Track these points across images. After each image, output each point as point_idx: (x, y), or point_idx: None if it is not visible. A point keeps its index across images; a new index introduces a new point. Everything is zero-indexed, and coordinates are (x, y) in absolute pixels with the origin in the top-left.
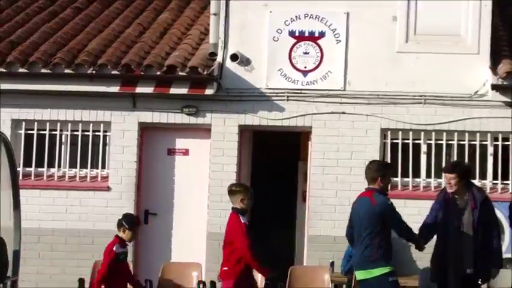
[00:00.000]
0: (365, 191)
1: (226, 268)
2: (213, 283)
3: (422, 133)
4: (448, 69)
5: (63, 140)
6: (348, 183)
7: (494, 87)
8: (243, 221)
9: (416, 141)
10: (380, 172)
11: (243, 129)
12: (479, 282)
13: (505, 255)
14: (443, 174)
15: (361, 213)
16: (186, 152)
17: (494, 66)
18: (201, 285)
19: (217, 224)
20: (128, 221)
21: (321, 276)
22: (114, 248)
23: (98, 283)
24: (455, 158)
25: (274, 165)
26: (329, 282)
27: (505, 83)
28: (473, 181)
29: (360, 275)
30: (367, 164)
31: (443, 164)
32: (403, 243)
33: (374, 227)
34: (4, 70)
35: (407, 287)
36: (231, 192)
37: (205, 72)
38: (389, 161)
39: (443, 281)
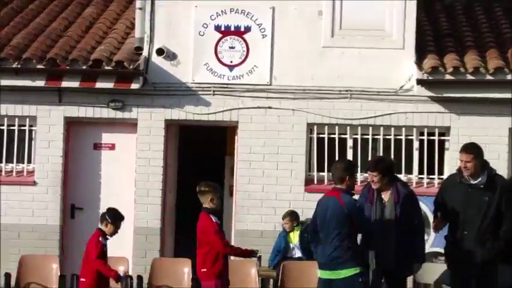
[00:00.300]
0: (331, 190)
1: (204, 270)
2: (139, 277)
3: (348, 128)
4: (373, 64)
5: None
6: (274, 178)
7: (420, 82)
8: (214, 220)
9: (343, 136)
10: (348, 171)
11: (169, 124)
12: (402, 278)
13: (431, 249)
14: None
15: (329, 214)
16: (112, 147)
17: (419, 61)
18: (128, 280)
19: (144, 218)
20: (111, 215)
21: (248, 270)
22: (101, 239)
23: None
24: (381, 153)
25: (201, 160)
26: (256, 276)
27: (430, 77)
28: (399, 176)
29: (325, 274)
30: (334, 164)
31: (370, 158)
32: None
33: (342, 228)
34: None
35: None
36: (201, 192)
37: (131, 67)
38: (315, 156)
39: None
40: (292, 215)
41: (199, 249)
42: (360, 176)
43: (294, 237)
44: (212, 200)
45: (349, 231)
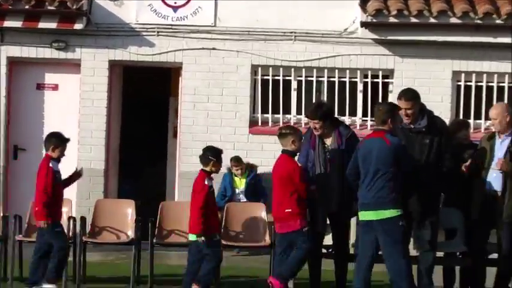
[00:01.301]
0: (374, 132)
1: (289, 210)
2: (83, 218)
3: (293, 70)
4: (317, 6)
5: None
6: (218, 119)
7: (364, 24)
8: (299, 164)
9: (287, 78)
10: (390, 113)
11: (113, 65)
12: (345, 220)
13: None
14: None
15: (375, 154)
16: (55, 87)
17: (363, 4)
18: (71, 221)
19: (88, 159)
20: (213, 154)
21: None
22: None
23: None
24: (325, 95)
25: (145, 101)
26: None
27: (374, 20)
28: (342, 118)
29: (368, 215)
30: (376, 106)
31: (314, 100)
32: None
33: (389, 167)
34: None
35: None
36: (282, 135)
37: (74, 7)
38: (260, 98)
39: (312, 220)
40: (239, 161)
41: (279, 190)
42: (305, 119)
43: (240, 183)
44: (294, 142)
45: (394, 171)
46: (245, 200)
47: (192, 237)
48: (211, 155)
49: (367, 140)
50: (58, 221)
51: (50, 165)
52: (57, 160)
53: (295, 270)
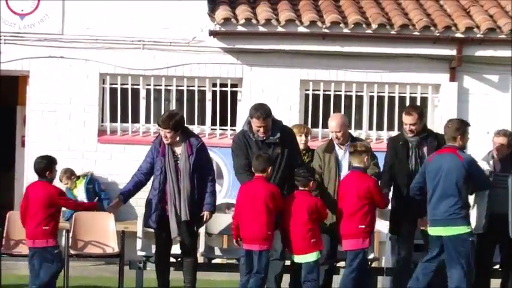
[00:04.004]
0: (445, 148)
1: (362, 226)
2: None
3: (141, 78)
4: (166, 15)
5: None
6: (67, 128)
7: (212, 33)
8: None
9: (135, 87)
10: (460, 130)
11: None
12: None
13: (224, 201)
14: None
15: (446, 170)
16: None
17: (212, 12)
18: None
19: None
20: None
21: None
22: None
23: None
24: (173, 104)
25: None
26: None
27: (222, 29)
28: (192, 126)
29: (437, 231)
30: (446, 123)
31: (163, 110)
32: None
33: (461, 183)
34: None
35: (129, 232)
36: (357, 152)
37: None
38: (108, 107)
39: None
40: (67, 173)
41: (354, 206)
42: (154, 128)
43: (78, 191)
44: (368, 160)
45: (466, 187)
46: None
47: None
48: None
49: (437, 155)
50: None
51: None
52: None
53: None
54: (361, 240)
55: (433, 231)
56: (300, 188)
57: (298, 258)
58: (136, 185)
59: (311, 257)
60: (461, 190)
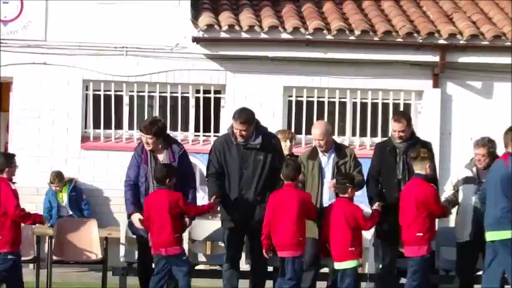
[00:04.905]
0: (503, 154)
1: (421, 234)
2: None
3: (124, 85)
4: (149, 21)
5: None
6: (50, 135)
7: (195, 39)
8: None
9: (119, 93)
10: None
11: None
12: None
13: None
14: None
15: (493, 175)
16: None
17: (195, 19)
18: None
19: None
20: None
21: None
22: None
23: None
24: (157, 110)
25: None
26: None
27: (205, 35)
28: (175, 133)
29: (491, 236)
30: (505, 130)
31: (146, 116)
32: None
33: (507, 188)
34: None
35: (112, 238)
36: (420, 158)
37: None
38: (91, 113)
39: None
40: (59, 176)
41: (411, 214)
42: (137, 134)
43: (63, 197)
44: (430, 167)
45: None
46: (71, 212)
47: None
48: None
49: (495, 162)
50: None
51: None
52: None
53: None
54: (417, 247)
55: (487, 236)
56: (340, 195)
57: (338, 265)
58: (137, 196)
59: (349, 264)
60: (506, 195)
